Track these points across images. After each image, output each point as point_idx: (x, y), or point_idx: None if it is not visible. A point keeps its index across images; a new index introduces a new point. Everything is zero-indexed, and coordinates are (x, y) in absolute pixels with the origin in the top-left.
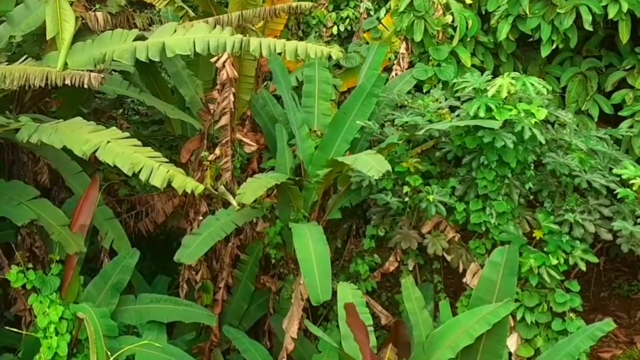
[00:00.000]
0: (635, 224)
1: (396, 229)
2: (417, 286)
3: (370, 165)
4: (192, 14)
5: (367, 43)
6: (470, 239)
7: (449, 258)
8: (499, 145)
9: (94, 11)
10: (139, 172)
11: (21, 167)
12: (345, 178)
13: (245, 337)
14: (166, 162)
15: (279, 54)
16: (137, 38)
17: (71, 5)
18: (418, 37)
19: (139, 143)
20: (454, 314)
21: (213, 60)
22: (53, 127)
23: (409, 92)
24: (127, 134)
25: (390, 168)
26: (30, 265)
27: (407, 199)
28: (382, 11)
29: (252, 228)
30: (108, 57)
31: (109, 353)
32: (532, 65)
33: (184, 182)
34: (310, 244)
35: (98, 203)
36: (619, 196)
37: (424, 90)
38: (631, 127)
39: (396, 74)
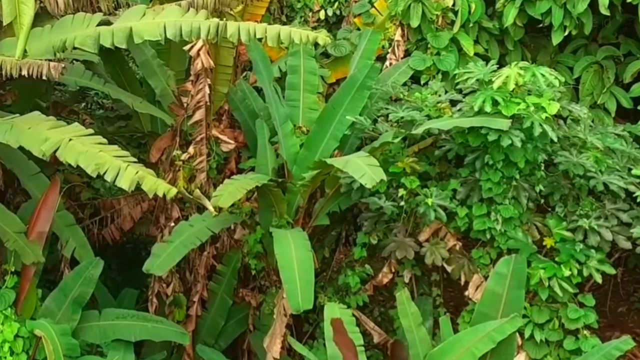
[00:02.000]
0: None
1: (390, 237)
2: (414, 300)
3: (363, 171)
4: None
5: (359, 29)
6: (473, 247)
7: (449, 269)
8: (506, 143)
9: None
10: (105, 173)
11: None
12: (333, 180)
13: (222, 357)
14: (135, 162)
15: (260, 39)
16: (102, 23)
17: None
18: (415, 23)
19: (105, 141)
20: (455, 331)
21: (186, 48)
22: (8, 124)
23: (404, 84)
24: (90, 130)
25: (385, 177)
26: None
27: (402, 203)
28: None
29: (230, 235)
30: (69, 45)
31: None
32: (542, 54)
33: (155, 185)
34: (292, 250)
35: (58, 208)
36: (638, 200)
37: (422, 82)
38: None
39: (390, 64)
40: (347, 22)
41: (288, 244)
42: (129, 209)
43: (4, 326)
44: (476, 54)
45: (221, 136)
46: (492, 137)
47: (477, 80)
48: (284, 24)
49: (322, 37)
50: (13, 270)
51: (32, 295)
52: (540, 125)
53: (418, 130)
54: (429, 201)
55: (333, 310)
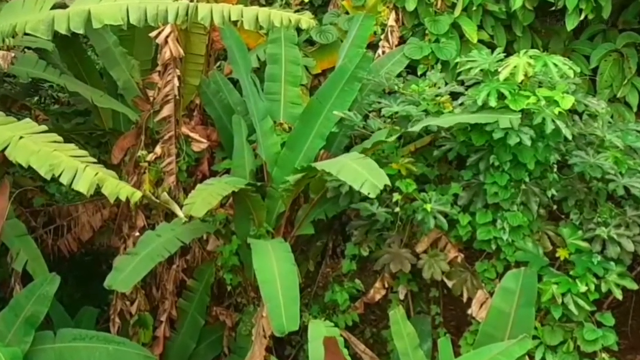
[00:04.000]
0: None
1: (384, 248)
2: (410, 319)
3: (363, 177)
4: None
5: (347, 13)
6: (476, 259)
7: (450, 284)
8: (514, 141)
9: None
10: (60, 175)
11: None
12: (319, 184)
13: None
14: (94, 162)
15: (235, 23)
16: (56, 6)
17: None
18: (411, 6)
19: (60, 139)
20: (457, 354)
21: (153, 34)
22: None
23: (399, 75)
24: (44, 127)
25: (388, 181)
26: None
27: (397, 209)
28: None
29: (202, 246)
30: (19, 30)
31: None
32: (555, 40)
33: (117, 188)
34: (273, 263)
35: (7, 215)
36: None
37: (419, 73)
38: None
39: (383, 52)
40: (334, 5)
41: (268, 256)
42: (88, 216)
43: None
44: (480, 41)
45: (192, 134)
46: (497, 135)
47: (481, 70)
48: (263, 7)
49: (306, 19)
50: None
51: None
52: (553, 121)
53: (415, 128)
54: (428, 207)
55: (319, 328)
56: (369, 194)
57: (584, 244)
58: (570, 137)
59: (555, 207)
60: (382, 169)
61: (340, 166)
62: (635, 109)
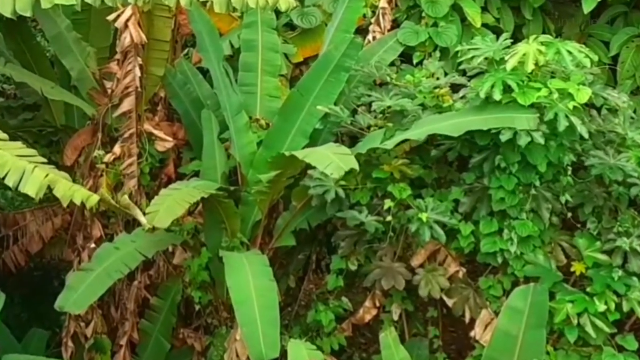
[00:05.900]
0: None
1: (374, 261)
2: (404, 343)
3: (329, 159)
4: None
5: None
6: (480, 275)
7: (450, 302)
8: (524, 142)
9: None
10: (5, 177)
11: None
12: (302, 191)
13: None
14: (44, 162)
15: (205, 4)
16: None
17: None
18: None
19: (5, 137)
20: None
21: (111, 17)
22: None
23: (392, 64)
24: None
25: (356, 165)
26: None
27: (389, 217)
28: None
29: (167, 260)
30: None
31: None
32: (570, 25)
33: (71, 190)
34: (249, 279)
35: None
36: None
37: (415, 61)
38: None
39: (374, 38)
40: None
41: (243, 271)
42: (37, 225)
43: None
44: (484, 25)
45: (156, 131)
46: (505, 137)
47: (486, 59)
48: None
49: None
50: None
51: None
52: (567, 117)
53: (418, 136)
54: (424, 216)
55: (300, 352)
56: (331, 174)
57: (603, 257)
58: (586, 135)
59: (569, 214)
60: (353, 157)
61: (309, 151)
62: None
